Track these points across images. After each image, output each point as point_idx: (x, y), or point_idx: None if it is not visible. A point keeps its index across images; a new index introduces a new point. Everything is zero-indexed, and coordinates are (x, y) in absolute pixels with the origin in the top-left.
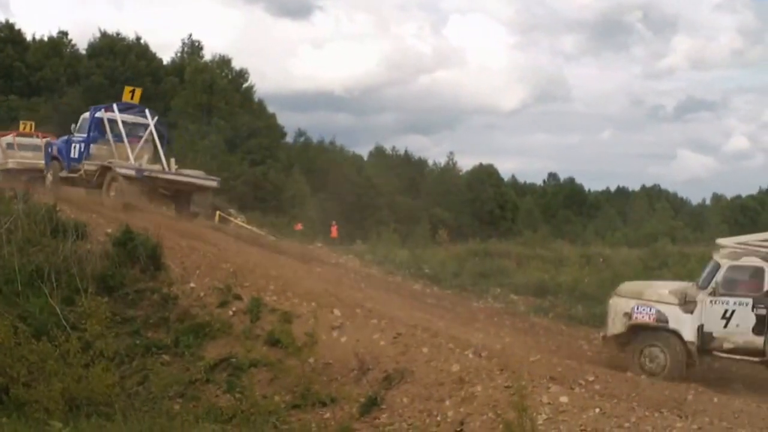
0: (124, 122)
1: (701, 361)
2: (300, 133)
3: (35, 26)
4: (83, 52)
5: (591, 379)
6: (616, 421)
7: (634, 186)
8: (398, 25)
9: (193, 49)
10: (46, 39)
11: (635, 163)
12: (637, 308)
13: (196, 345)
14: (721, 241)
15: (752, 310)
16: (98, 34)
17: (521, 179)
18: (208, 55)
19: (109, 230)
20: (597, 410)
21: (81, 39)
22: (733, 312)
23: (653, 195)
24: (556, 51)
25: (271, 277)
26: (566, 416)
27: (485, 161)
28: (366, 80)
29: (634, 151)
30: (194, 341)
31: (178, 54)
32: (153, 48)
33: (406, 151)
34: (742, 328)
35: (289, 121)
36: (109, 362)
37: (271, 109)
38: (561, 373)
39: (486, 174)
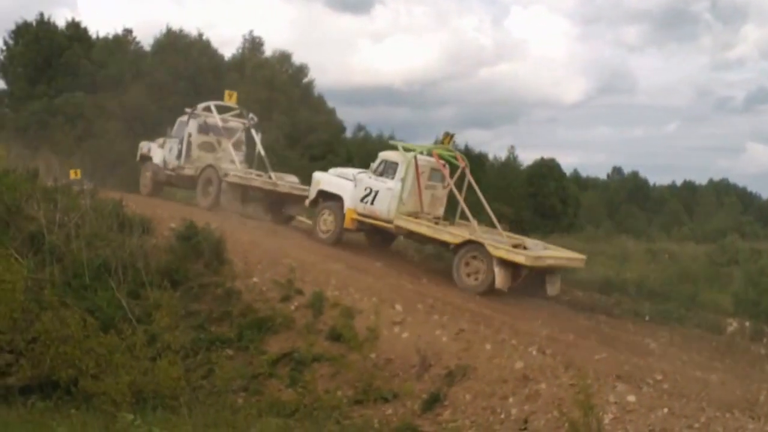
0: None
1: None
2: (359, 128)
3: (100, 24)
4: (147, 49)
5: (659, 377)
6: (686, 421)
7: (701, 180)
8: (458, 18)
9: (253, 44)
10: (110, 37)
11: (702, 156)
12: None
13: (259, 339)
14: None
15: None
16: (164, 31)
17: (584, 173)
18: (268, 50)
19: (173, 225)
20: (665, 410)
21: (145, 36)
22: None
23: (721, 189)
24: (620, 42)
25: (332, 271)
26: (633, 416)
27: (547, 155)
28: (426, 74)
29: (701, 144)
30: (257, 335)
31: (239, 50)
32: (215, 44)
33: (466, 145)
34: None
35: (349, 116)
36: (174, 355)
37: (330, 104)
38: (628, 372)
39: (547, 168)
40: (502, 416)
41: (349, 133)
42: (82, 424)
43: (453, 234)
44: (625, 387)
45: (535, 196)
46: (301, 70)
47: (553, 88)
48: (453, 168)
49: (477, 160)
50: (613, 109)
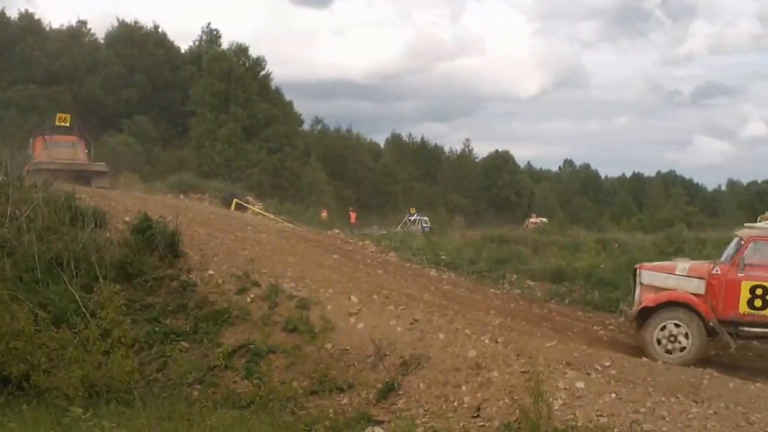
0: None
1: None
2: (317, 121)
3: (55, 16)
4: (102, 41)
5: (607, 364)
6: (632, 406)
7: (649, 172)
8: (419, 13)
9: (211, 37)
10: (65, 28)
11: (651, 149)
12: None
13: (215, 332)
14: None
15: None
16: (116, 23)
17: (537, 166)
18: (225, 43)
19: (128, 218)
20: (613, 395)
21: (100, 28)
22: None
23: (669, 181)
24: (575, 38)
25: (288, 263)
26: (582, 401)
27: (502, 148)
28: (386, 68)
29: (650, 137)
30: (213, 328)
31: (196, 43)
32: (172, 37)
33: (422, 138)
34: None
35: (311, 109)
36: (128, 349)
37: (292, 96)
38: (577, 359)
39: (502, 160)
40: (456, 404)
41: (307, 126)
42: (34, 420)
43: None
44: (575, 373)
45: (490, 188)
46: (258, 62)
47: (510, 83)
48: None
49: (433, 153)
50: (567, 103)
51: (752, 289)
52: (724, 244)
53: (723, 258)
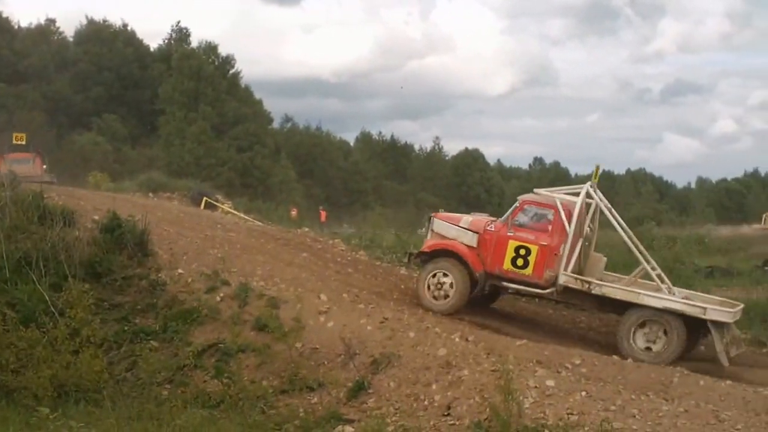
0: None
1: None
2: (287, 119)
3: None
4: (71, 39)
5: (577, 362)
6: (603, 404)
7: (619, 170)
8: (388, 10)
9: (181, 35)
10: (33, 27)
11: (621, 146)
12: None
13: (184, 331)
14: None
15: None
16: (85, 21)
17: (507, 164)
18: (195, 42)
19: (97, 217)
20: (583, 393)
21: (69, 26)
22: None
23: (639, 179)
24: (544, 36)
25: (258, 262)
26: (553, 399)
27: (472, 146)
28: (355, 66)
29: (620, 135)
30: (182, 327)
31: (166, 41)
32: (142, 35)
33: (392, 136)
34: None
35: (280, 107)
36: (97, 349)
37: (261, 95)
38: (547, 357)
39: (472, 158)
40: (426, 403)
41: (276, 124)
42: (2, 420)
43: None
44: (545, 372)
45: (460, 186)
46: (228, 61)
47: (479, 81)
48: None
49: (402, 151)
50: (537, 101)
51: (517, 249)
52: (693, 241)
53: (503, 217)
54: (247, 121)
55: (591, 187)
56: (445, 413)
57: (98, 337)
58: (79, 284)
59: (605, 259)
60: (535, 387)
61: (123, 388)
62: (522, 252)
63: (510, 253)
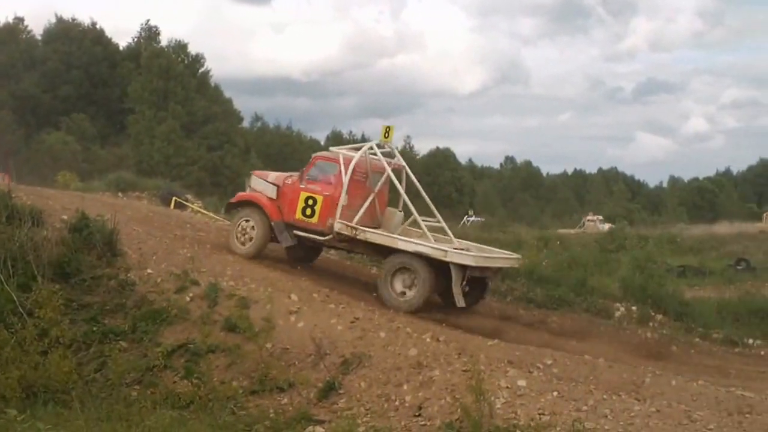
0: None
1: None
2: (257, 118)
3: None
4: (39, 37)
5: (549, 362)
6: (575, 404)
7: (591, 169)
8: (359, 9)
9: (150, 34)
10: (1, 25)
11: (593, 145)
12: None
13: (154, 331)
14: None
15: None
16: (54, 20)
17: (478, 163)
18: (165, 40)
19: (65, 217)
20: (555, 393)
21: (37, 25)
22: None
23: (610, 178)
24: (515, 34)
25: (228, 262)
26: (524, 400)
27: (443, 145)
28: (325, 64)
29: (592, 134)
30: (152, 327)
31: (135, 39)
32: (111, 34)
33: (363, 135)
34: None
35: (250, 106)
36: (66, 349)
37: (231, 93)
38: (519, 357)
39: (443, 157)
40: (397, 403)
41: (246, 123)
42: None
43: None
44: (517, 372)
45: (431, 185)
46: (197, 59)
47: (450, 79)
48: None
49: None
50: (508, 100)
51: (306, 200)
52: (665, 241)
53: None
54: (216, 120)
55: (377, 145)
56: (416, 414)
57: (67, 337)
58: (47, 284)
59: (401, 213)
60: (507, 387)
61: (92, 389)
62: (310, 202)
63: (301, 204)
